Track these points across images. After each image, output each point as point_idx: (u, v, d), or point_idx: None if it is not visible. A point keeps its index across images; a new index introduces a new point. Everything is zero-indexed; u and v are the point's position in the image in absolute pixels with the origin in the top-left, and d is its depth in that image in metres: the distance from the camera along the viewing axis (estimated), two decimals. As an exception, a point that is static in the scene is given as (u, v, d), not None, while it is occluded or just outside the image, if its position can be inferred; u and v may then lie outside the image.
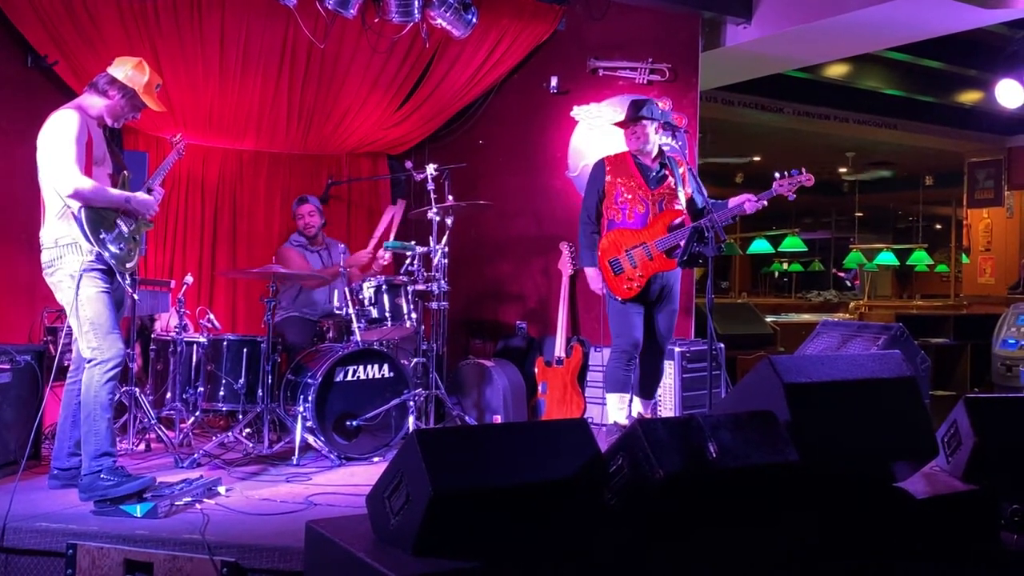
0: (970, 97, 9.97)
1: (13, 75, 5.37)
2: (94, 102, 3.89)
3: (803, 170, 4.54)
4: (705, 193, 4.85)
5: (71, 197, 3.67)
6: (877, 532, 3.13)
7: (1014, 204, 11.87)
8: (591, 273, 4.94)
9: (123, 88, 3.89)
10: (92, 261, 3.70)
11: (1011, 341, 7.74)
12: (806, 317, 11.07)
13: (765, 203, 4.67)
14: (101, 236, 3.72)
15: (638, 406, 4.90)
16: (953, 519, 3.36)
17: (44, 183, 3.79)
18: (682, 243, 4.66)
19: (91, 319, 3.70)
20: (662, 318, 4.86)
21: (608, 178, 4.89)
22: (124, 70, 3.90)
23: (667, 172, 4.85)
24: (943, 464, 3.67)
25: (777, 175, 4.57)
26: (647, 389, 4.91)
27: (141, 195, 3.96)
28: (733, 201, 4.78)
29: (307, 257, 5.77)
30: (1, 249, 5.31)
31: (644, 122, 4.81)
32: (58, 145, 3.69)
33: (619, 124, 4.96)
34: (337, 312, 5.17)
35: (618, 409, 4.87)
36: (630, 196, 4.81)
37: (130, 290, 4.00)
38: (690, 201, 4.86)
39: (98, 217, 3.74)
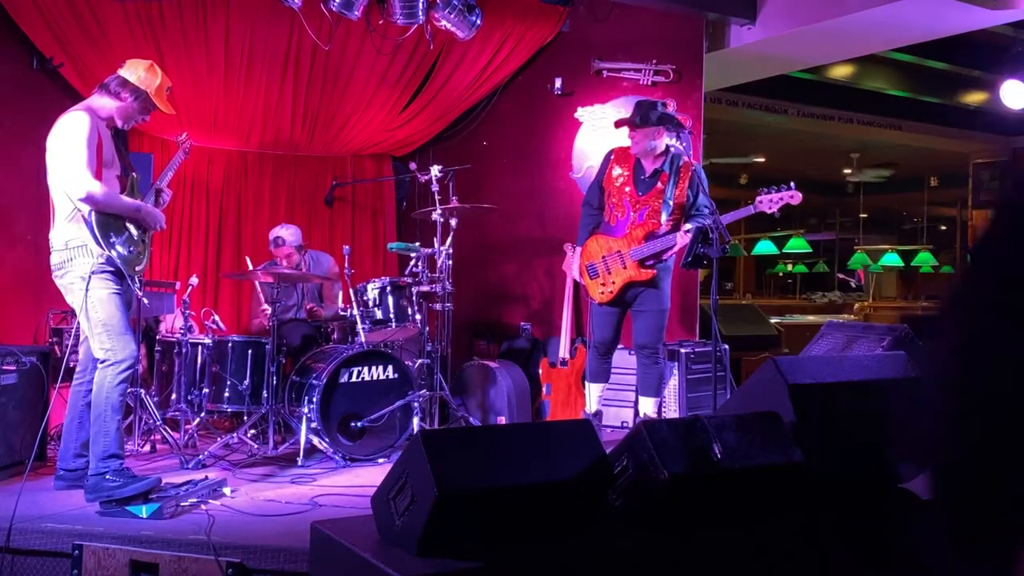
0: (975, 98, 9.96)
1: (19, 77, 5.40)
2: (105, 104, 3.89)
3: (791, 185, 4.39)
4: (705, 199, 4.75)
5: (83, 201, 3.66)
6: (883, 533, 3.12)
7: (1019, 205, 11.82)
8: (577, 253, 4.91)
9: (136, 91, 3.89)
10: (102, 263, 3.71)
11: (1016, 342, 7.71)
12: (811, 318, 11.07)
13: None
14: (111, 239, 3.73)
15: (645, 405, 4.91)
16: (958, 520, 3.35)
17: (54, 185, 3.78)
18: (663, 253, 4.67)
19: (103, 320, 3.71)
20: (643, 320, 4.81)
21: (606, 174, 4.85)
22: (136, 73, 3.91)
23: (660, 179, 4.73)
24: (948, 465, 3.66)
25: (763, 189, 4.43)
26: (644, 388, 4.92)
27: (151, 207, 3.98)
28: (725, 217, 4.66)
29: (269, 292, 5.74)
30: (7, 251, 5.33)
31: (638, 128, 4.71)
32: (70, 148, 3.69)
33: (620, 124, 4.87)
34: (341, 313, 5.19)
35: (596, 397, 5.01)
36: (616, 198, 4.79)
37: (139, 293, 4.00)
38: (680, 205, 4.76)
39: (108, 220, 3.74)
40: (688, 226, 4.63)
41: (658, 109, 4.75)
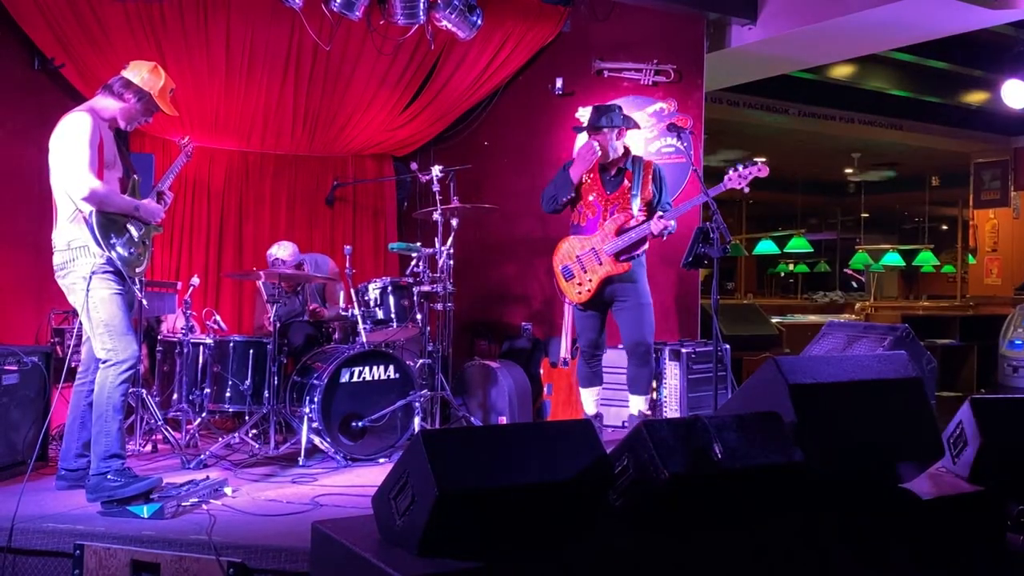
0: (976, 97, 9.96)
1: (20, 77, 5.40)
2: (108, 105, 3.89)
3: (757, 162, 4.56)
4: (667, 196, 4.90)
5: (85, 199, 3.67)
6: (883, 533, 3.13)
7: (1020, 205, 11.85)
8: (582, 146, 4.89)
9: (139, 92, 3.90)
10: (103, 264, 3.72)
11: (1018, 342, 7.73)
12: (812, 318, 11.06)
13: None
14: (111, 240, 3.74)
15: (637, 404, 4.90)
16: (959, 520, 3.36)
17: (56, 186, 3.79)
18: (633, 246, 4.71)
19: (105, 321, 3.72)
20: (625, 317, 4.82)
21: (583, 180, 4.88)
22: (140, 74, 3.92)
23: (626, 176, 4.81)
24: (949, 465, 3.67)
25: (730, 170, 4.58)
26: (635, 386, 4.93)
27: (149, 203, 3.98)
28: (680, 207, 4.82)
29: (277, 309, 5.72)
30: (8, 251, 5.33)
31: (604, 131, 4.77)
32: (72, 148, 3.70)
33: (582, 130, 4.91)
34: (343, 313, 5.19)
35: (592, 401, 5.03)
36: (591, 198, 4.83)
37: (139, 294, 4.01)
38: (647, 201, 4.83)
39: (109, 221, 3.75)
40: (660, 213, 4.70)
41: (617, 111, 4.86)
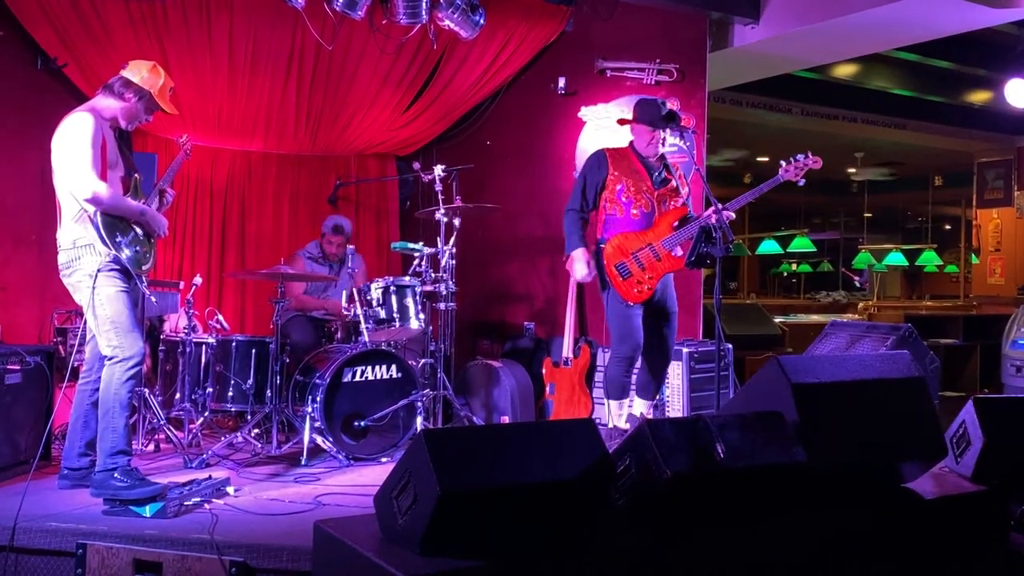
0: (979, 97, 9.94)
1: (23, 77, 5.40)
2: (109, 104, 3.91)
3: (808, 153, 4.42)
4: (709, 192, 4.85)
5: (88, 202, 3.68)
6: (885, 533, 3.12)
7: (1024, 204, 11.84)
8: (577, 254, 4.73)
9: (139, 91, 3.91)
10: (109, 262, 3.74)
11: (1021, 342, 7.70)
12: (815, 318, 11.05)
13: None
14: (117, 239, 3.75)
15: (640, 406, 4.88)
16: (962, 520, 3.35)
17: (60, 186, 3.80)
18: (684, 242, 4.63)
19: (111, 318, 3.73)
20: (664, 321, 4.79)
21: (609, 172, 4.73)
22: (140, 73, 3.93)
23: (667, 174, 4.76)
24: (952, 465, 3.66)
25: (783, 162, 4.46)
26: (648, 391, 4.89)
27: (155, 212, 4.00)
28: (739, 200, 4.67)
29: (313, 269, 5.78)
30: (11, 251, 5.33)
31: (658, 127, 4.67)
32: (75, 148, 3.71)
33: (649, 124, 4.70)
34: (345, 312, 5.19)
35: (618, 415, 4.85)
36: (634, 190, 4.69)
37: (147, 292, 4.02)
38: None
39: (114, 221, 3.77)
40: (718, 205, 4.49)
41: (668, 106, 4.77)
